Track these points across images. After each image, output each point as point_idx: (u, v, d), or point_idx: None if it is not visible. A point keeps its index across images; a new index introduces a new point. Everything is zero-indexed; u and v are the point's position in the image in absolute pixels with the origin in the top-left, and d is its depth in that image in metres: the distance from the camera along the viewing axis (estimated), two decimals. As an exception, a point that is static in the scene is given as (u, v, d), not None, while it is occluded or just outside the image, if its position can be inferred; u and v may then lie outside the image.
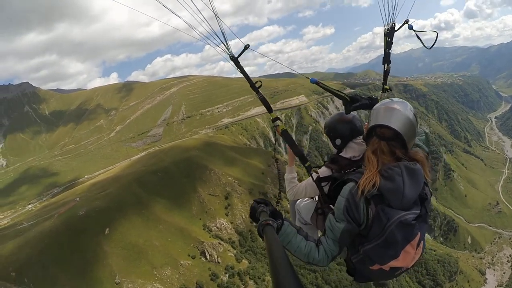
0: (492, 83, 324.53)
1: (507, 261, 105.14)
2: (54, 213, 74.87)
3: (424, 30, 4.18)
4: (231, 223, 77.46)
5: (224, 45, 3.54)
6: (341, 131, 3.84)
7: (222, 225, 76.43)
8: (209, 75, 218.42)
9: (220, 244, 71.97)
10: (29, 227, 72.35)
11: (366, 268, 2.80)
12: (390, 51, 4.19)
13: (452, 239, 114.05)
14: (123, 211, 70.80)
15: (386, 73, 4.33)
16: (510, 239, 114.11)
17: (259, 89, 3.68)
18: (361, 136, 3.72)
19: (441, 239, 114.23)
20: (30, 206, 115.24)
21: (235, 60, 3.58)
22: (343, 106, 3.68)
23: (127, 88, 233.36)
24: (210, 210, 78.46)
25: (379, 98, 3.78)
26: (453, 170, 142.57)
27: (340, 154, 3.81)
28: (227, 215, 78.76)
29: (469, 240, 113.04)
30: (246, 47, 3.60)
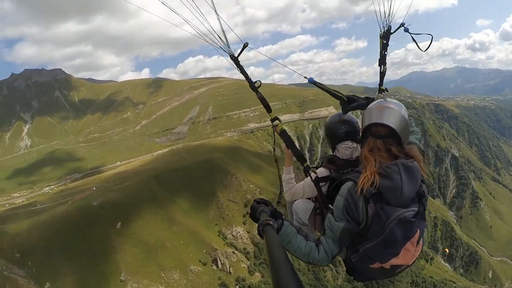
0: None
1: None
2: (68, 199, 73.35)
3: (420, 33, 4.22)
4: (248, 232, 73.59)
5: (225, 43, 3.50)
6: (331, 132, 3.85)
7: (239, 233, 72.78)
8: (239, 78, 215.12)
9: (234, 253, 68.68)
10: (41, 210, 70.93)
11: (366, 267, 2.79)
12: (385, 53, 4.17)
13: (473, 272, 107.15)
14: (137, 207, 68.51)
15: (382, 74, 4.26)
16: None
17: (258, 89, 3.67)
18: (348, 141, 3.75)
19: (462, 270, 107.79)
20: (47, 188, 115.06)
21: (235, 59, 3.56)
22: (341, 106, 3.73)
23: (157, 84, 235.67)
24: (227, 217, 75.11)
25: (376, 99, 3.71)
26: (480, 199, 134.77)
27: (336, 154, 3.81)
28: (244, 224, 74.91)
29: (490, 274, 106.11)
30: (245, 45, 3.55)
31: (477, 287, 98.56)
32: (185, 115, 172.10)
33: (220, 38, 3.47)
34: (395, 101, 2.91)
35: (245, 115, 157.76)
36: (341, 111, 3.85)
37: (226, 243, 70.35)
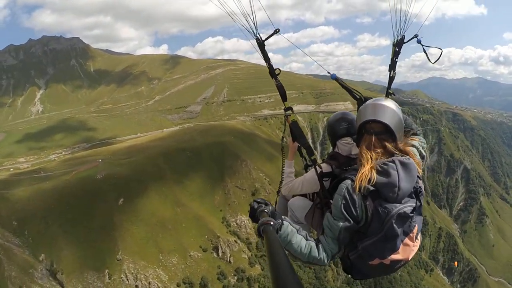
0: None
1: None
2: (72, 170, 71.46)
3: (431, 46, 4.32)
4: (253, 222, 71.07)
5: (253, 25, 3.41)
6: (332, 129, 3.90)
7: (243, 222, 70.40)
8: (257, 63, 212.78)
9: (236, 242, 66.62)
10: (44, 178, 69.17)
11: (365, 264, 2.80)
12: (396, 60, 4.22)
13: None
14: (142, 184, 66.43)
15: (391, 79, 4.31)
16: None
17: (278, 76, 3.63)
18: (348, 138, 3.77)
19: (459, 285, 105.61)
20: (53, 156, 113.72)
21: (261, 43, 3.47)
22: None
23: (174, 60, 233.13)
24: (233, 203, 72.73)
25: None
26: (486, 216, 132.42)
27: (336, 151, 3.85)
28: (250, 213, 72.42)
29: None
30: (276, 31, 3.56)
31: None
32: (199, 94, 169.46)
33: (248, 19, 3.34)
34: (391, 100, 2.91)
35: (260, 101, 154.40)
36: (344, 110, 4.01)
37: (229, 231, 68.24)
